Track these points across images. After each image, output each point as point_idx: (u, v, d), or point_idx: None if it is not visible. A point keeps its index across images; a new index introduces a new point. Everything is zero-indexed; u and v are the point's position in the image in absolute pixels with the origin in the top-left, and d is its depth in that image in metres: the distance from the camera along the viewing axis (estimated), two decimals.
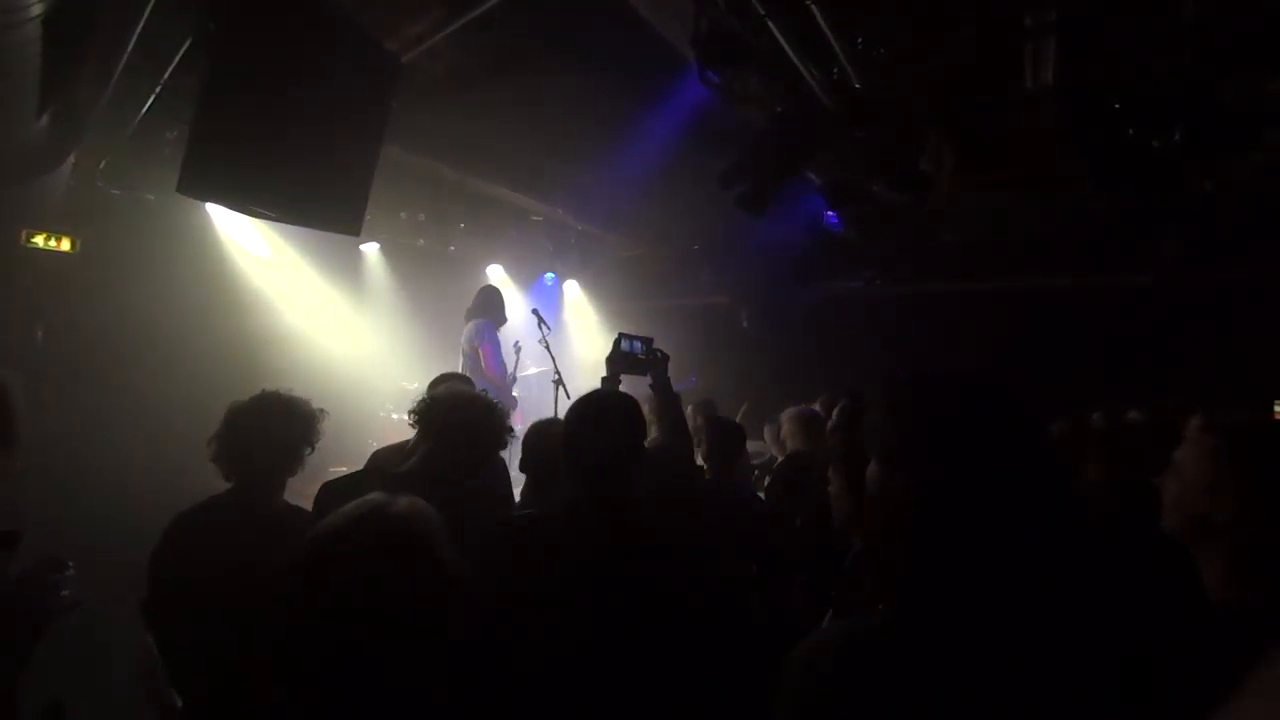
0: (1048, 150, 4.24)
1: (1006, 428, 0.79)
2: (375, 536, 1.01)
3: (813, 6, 2.81)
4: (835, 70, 3.33)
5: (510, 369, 5.26)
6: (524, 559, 1.44)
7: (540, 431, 2.20)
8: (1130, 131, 3.53)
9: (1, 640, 1.42)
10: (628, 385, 2.30)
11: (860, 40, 3.17)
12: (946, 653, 0.73)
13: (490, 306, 5.21)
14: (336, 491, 1.84)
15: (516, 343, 5.44)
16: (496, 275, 7.39)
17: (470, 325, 5.08)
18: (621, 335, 2.49)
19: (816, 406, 3.33)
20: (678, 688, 1.39)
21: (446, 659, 1.07)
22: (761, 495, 3.05)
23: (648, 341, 2.53)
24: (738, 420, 3.54)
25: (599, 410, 1.58)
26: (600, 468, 1.49)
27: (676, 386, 2.59)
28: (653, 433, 3.09)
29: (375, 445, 2.75)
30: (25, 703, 1.66)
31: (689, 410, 4.02)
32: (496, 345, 5.06)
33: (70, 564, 1.75)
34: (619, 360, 2.43)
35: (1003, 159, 4.54)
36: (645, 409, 1.99)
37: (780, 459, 3.30)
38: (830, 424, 2.58)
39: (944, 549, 0.77)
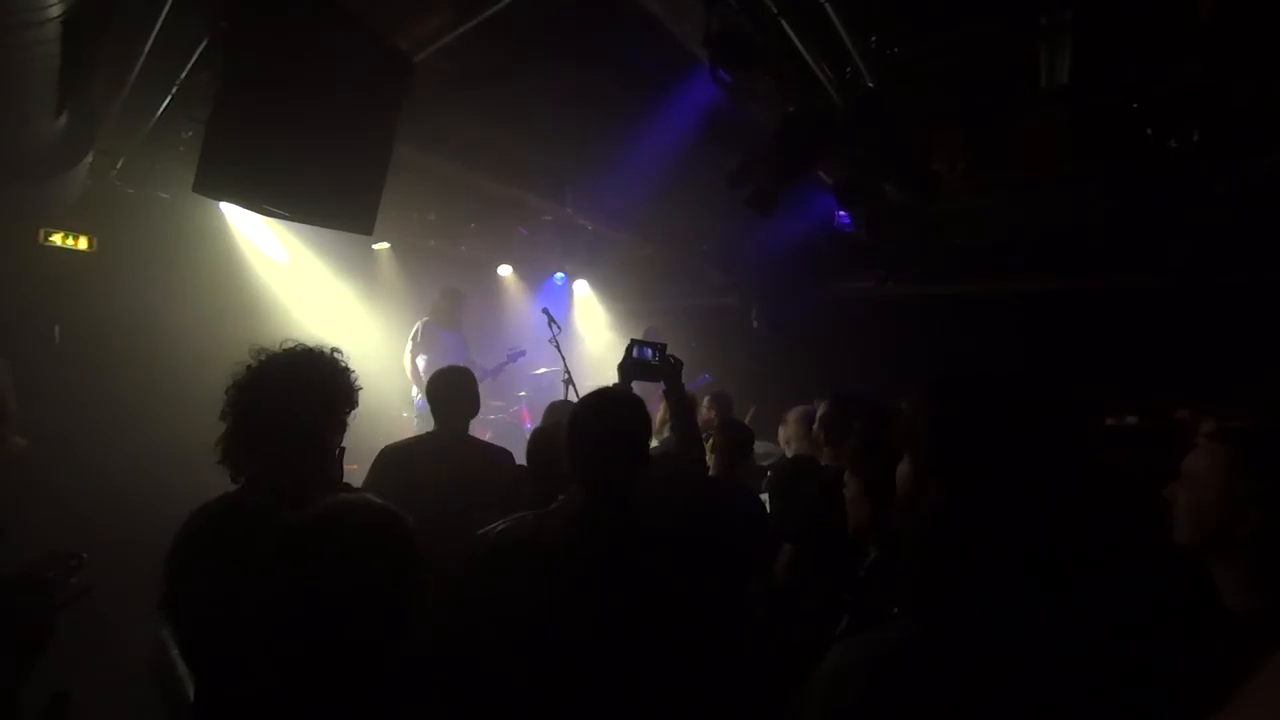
0: (1062, 151, 4.20)
1: (1043, 432, 0.78)
2: (354, 532, 1.03)
3: (826, 5, 2.79)
4: (848, 69, 3.31)
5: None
6: (525, 559, 1.44)
7: (546, 435, 2.18)
8: (1148, 132, 3.49)
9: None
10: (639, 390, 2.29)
11: (874, 39, 3.15)
12: (978, 659, 0.72)
13: (437, 306, 5.49)
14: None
15: (511, 351, 5.61)
16: (506, 275, 7.42)
17: None
18: (634, 341, 2.46)
19: (820, 408, 3.30)
20: (682, 690, 1.38)
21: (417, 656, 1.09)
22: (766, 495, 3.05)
23: (661, 348, 2.49)
24: (746, 421, 3.53)
25: (604, 408, 1.57)
26: (604, 465, 1.48)
27: (690, 385, 2.57)
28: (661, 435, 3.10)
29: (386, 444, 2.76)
30: (33, 701, 1.67)
31: (704, 401, 4.04)
32: (431, 344, 5.29)
33: (83, 554, 1.76)
34: (631, 367, 2.41)
35: (1016, 160, 4.50)
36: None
37: (790, 458, 3.28)
38: (815, 428, 2.57)
39: (974, 553, 0.76)
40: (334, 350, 1.57)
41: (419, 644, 1.10)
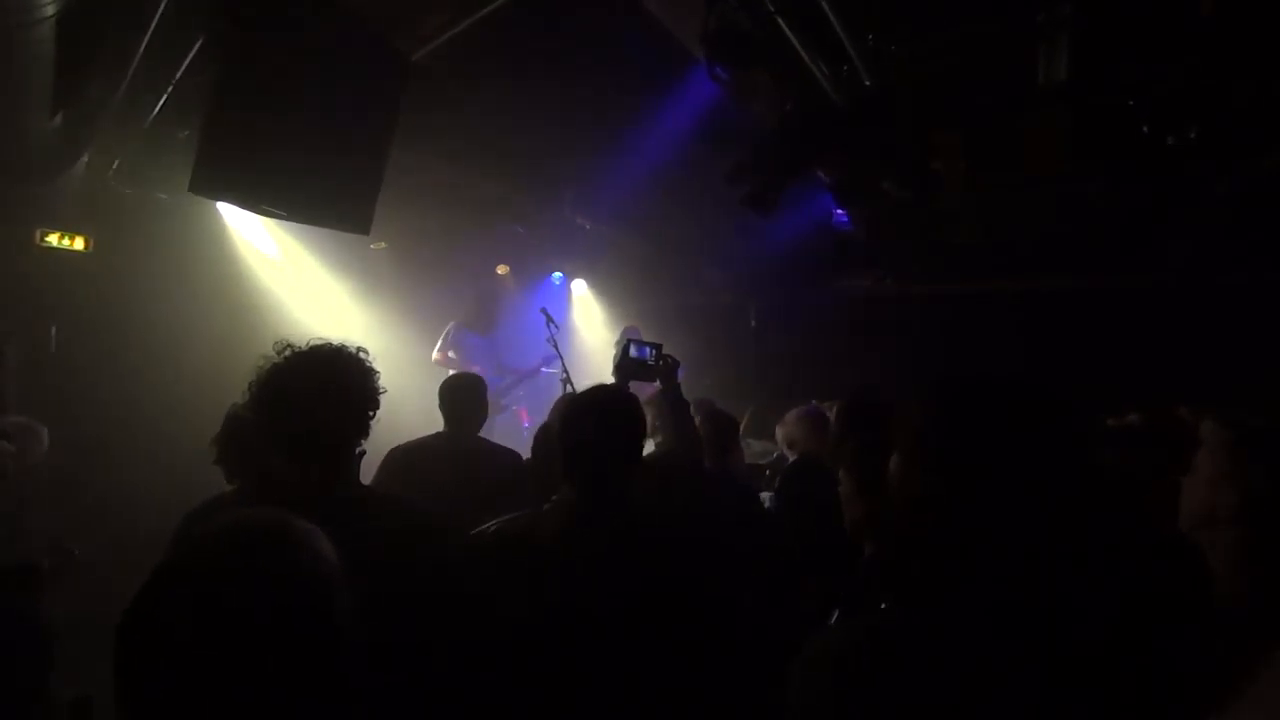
0: (1062, 151, 4.20)
1: (1043, 432, 0.78)
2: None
3: (824, 3, 2.79)
4: (845, 67, 3.31)
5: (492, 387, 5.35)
6: (521, 558, 1.43)
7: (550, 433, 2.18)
8: (1144, 129, 3.49)
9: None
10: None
11: (871, 37, 3.15)
12: (979, 659, 0.72)
13: (468, 308, 5.49)
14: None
15: (546, 356, 5.42)
16: (504, 274, 7.40)
17: None
18: (630, 341, 2.45)
19: (826, 408, 3.30)
20: (680, 689, 1.38)
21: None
22: (768, 495, 3.04)
23: (657, 347, 2.48)
24: (745, 421, 3.53)
25: (598, 406, 1.57)
26: (599, 464, 1.47)
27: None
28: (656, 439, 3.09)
29: (388, 445, 2.77)
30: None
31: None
32: (458, 347, 5.32)
33: (74, 550, 1.75)
34: (627, 367, 2.39)
35: (1016, 160, 4.50)
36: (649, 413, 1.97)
37: (792, 459, 3.28)
38: (833, 427, 2.57)
39: (974, 553, 0.76)
40: (360, 349, 1.53)
41: (411, 645, 1.08)
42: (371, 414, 1.51)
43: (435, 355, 5.39)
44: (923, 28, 3.15)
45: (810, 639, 0.82)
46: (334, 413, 1.43)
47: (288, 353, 1.45)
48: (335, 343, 1.51)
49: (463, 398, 2.82)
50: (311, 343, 1.49)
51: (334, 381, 1.43)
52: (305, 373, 1.42)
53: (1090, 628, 0.80)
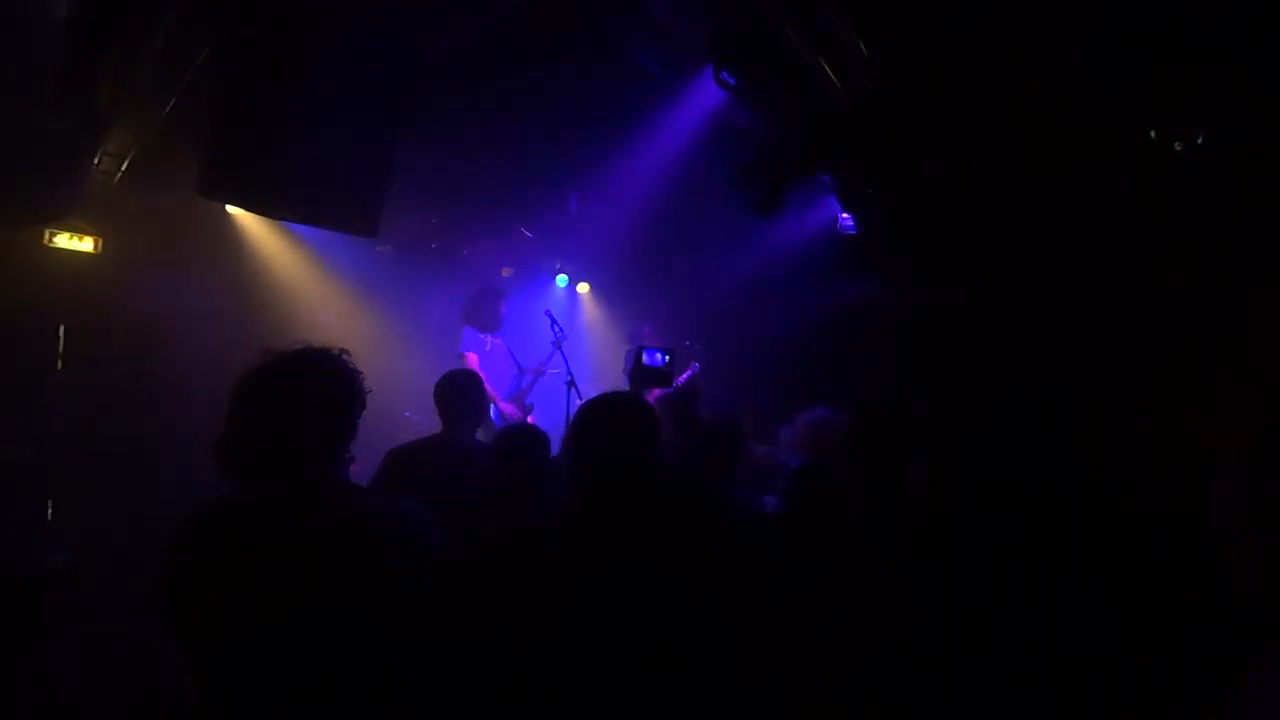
0: (1064, 151, 4.20)
1: (1042, 436, 0.79)
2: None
3: (828, 7, 2.79)
4: (850, 72, 3.31)
5: (515, 388, 5.12)
6: (524, 561, 1.44)
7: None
8: (1151, 135, 3.49)
9: None
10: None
11: (876, 39, 3.15)
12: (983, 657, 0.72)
13: (471, 310, 5.08)
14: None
15: (540, 366, 5.25)
16: (509, 277, 7.41)
17: None
18: (643, 348, 2.43)
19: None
20: (678, 693, 1.38)
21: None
22: (772, 498, 3.04)
23: (669, 352, 2.45)
24: (748, 424, 3.51)
25: (610, 412, 1.57)
26: (607, 474, 1.47)
27: (678, 379, 2.55)
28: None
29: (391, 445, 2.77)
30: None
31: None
32: (481, 353, 4.99)
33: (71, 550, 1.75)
34: (641, 374, 2.37)
35: (1017, 159, 4.50)
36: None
37: (796, 463, 3.26)
38: (843, 433, 2.55)
39: (977, 552, 0.77)
40: (342, 351, 1.54)
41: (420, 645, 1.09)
42: (357, 413, 1.52)
43: (466, 356, 4.97)
44: (926, 30, 3.15)
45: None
46: (316, 415, 1.44)
47: (270, 357, 1.46)
48: (316, 345, 1.52)
49: (455, 398, 2.77)
50: (293, 345, 1.50)
51: (316, 383, 1.45)
52: (288, 376, 1.44)
53: (1096, 630, 0.80)
